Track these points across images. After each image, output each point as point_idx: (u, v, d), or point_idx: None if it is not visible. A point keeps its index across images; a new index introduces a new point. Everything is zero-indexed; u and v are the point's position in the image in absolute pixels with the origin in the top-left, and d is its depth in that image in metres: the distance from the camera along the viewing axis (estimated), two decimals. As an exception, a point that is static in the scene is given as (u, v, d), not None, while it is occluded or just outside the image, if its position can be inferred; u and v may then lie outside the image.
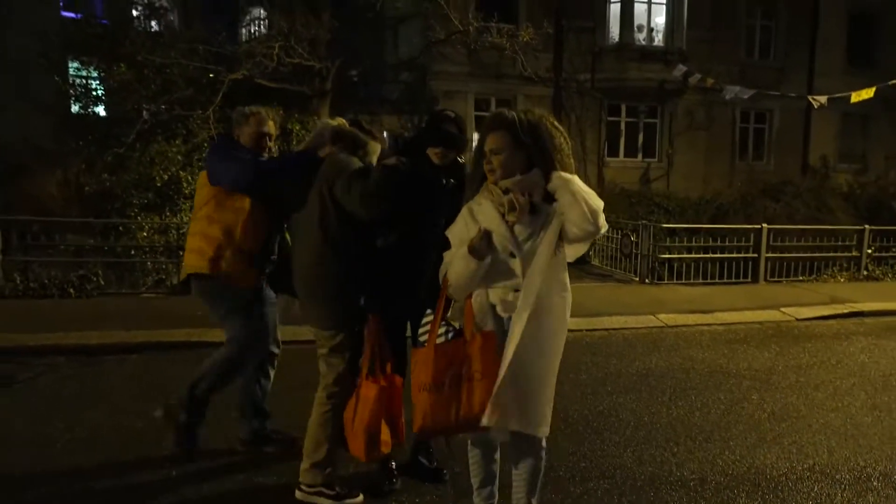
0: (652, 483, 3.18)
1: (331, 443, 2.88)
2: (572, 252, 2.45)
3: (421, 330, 2.67)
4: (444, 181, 2.91)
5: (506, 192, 2.37)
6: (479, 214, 2.44)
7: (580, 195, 2.30)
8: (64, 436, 3.58)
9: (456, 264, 2.41)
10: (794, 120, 17.68)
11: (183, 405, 3.15)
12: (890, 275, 9.78)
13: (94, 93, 12.21)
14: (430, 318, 2.56)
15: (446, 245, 2.69)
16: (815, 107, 12.45)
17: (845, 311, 7.38)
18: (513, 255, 2.36)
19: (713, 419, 4.06)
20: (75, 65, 12.34)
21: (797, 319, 7.02)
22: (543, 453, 2.53)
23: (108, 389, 4.39)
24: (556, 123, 2.45)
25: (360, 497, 2.93)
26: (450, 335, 2.49)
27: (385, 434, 2.80)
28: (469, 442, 2.58)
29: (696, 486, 3.17)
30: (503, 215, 2.38)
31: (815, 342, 6.09)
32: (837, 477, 3.32)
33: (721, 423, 3.98)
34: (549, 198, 2.37)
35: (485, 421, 2.32)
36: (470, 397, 2.34)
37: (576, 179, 2.36)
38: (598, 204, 2.33)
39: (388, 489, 3.03)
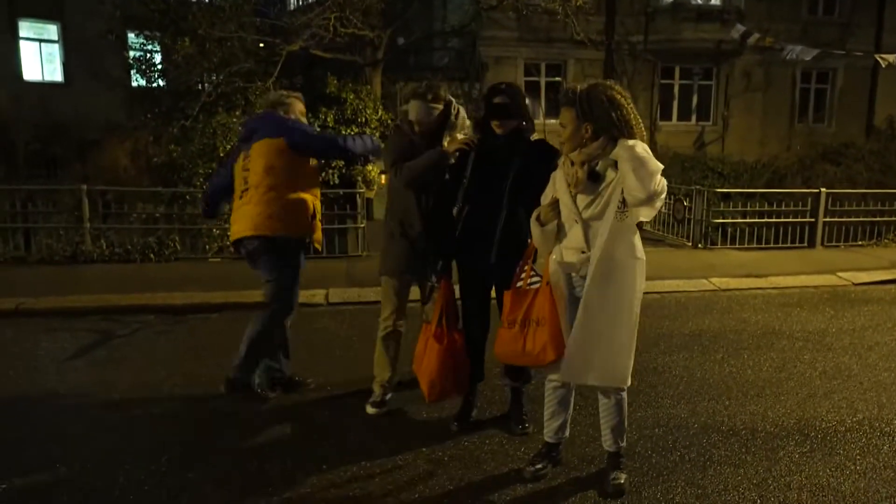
0: (704, 431, 3.40)
1: (381, 365, 3.60)
2: (644, 214, 2.65)
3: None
4: (509, 148, 3.13)
5: (573, 163, 2.65)
6: (557, 182, 2.79)
7: (635, 162, 2.50)
8: (167, 382, 4.03)
9: (531, 227, 2.83)
10: (860, 79, 16.92)
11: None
12: (956, 239, 9.50)
13: (156, 67, 12.73)
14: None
15: (513, 206, 3.00)
16: (883, 66, 11.95)
17: (905, 275, 7.28)
18: (576, 221, 2.69)
19: (765, 376, 4.22)
20: (140, 40, 12.84)
21: (854, 284, 6.99)
22: (623, 395, 2.82)
23: (197, 344, 4.83)
24: (619, 92, 2.63)
25: (374, 410, 3.56)
26: (535, 283, 2.87)
27: (446, 384, 3.20)
28: (547, 377, 2.91)
29: (747, 435, 3.37)
30: (569, 185, 2.68)
31: (871, 306, 6.09)
32: (887, 430, 3.46)
33: (772, 380, 4.14)
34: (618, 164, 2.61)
35: (562, 377, 2.76)
36: (534, 337, 2.78)
37: (637, 147, 2.54)
38: (653, 169, 2.51)
39: (454, 429, 3.37)
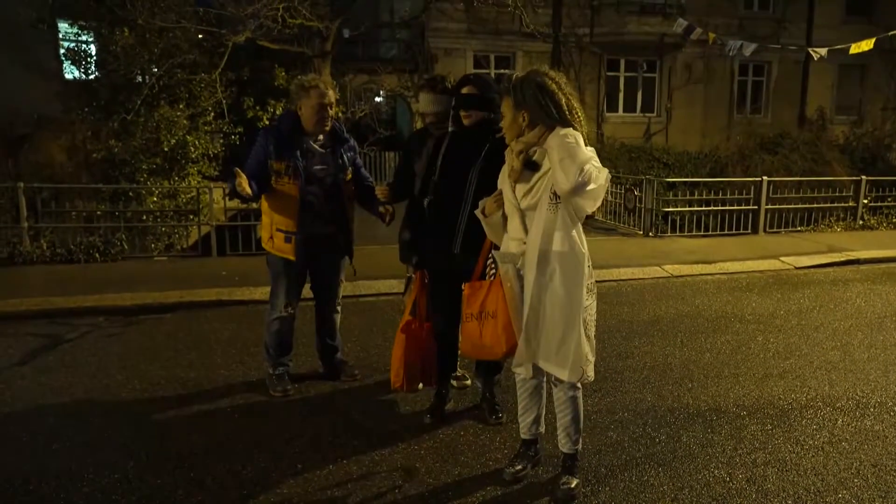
0: (672, 413, 3.50)
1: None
2: (586, 206, 2.48)
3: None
4: (475, 139, 3.12)
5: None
6: (503, 172, 2.75)
7: (562, 152, 2.41)
8: (126, 386, 3.86)
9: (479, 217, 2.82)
10: (792, 72, 17.74)
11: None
12: (885, 224, 10.08)
13: (92, 58, 12.16)
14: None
15: (478, 197, 2.99)
16: (815, 59, 12.52)
17: (842, 258, 7.68)
18: (516, 211, 2.67)
19: (723, 358, 4.38)
20: (74, 30, 12.22)
21: (796, 268, 7.32)
22: (577, 393, 2.72)
23: (153, 345, 4.65)
24: (552, 78, 2.56)
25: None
26: (492, 274, 2.83)
27: (410, 374, 3.24)
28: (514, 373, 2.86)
29: (712, 415, 3.49)
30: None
31: (813, 288, 6.40)
32: (838, 405, 3.65)
33: (730, 362, 4.31)
34: None
35: (513, 365, 2.71)
36: (489, 330, 2.75)
37: (567, 136, 2.45)
38: (581, 160, 2.39)
39: (428, 422, 3.37)
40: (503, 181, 2.71)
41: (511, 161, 2.61)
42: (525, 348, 2.66)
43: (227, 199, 10.70)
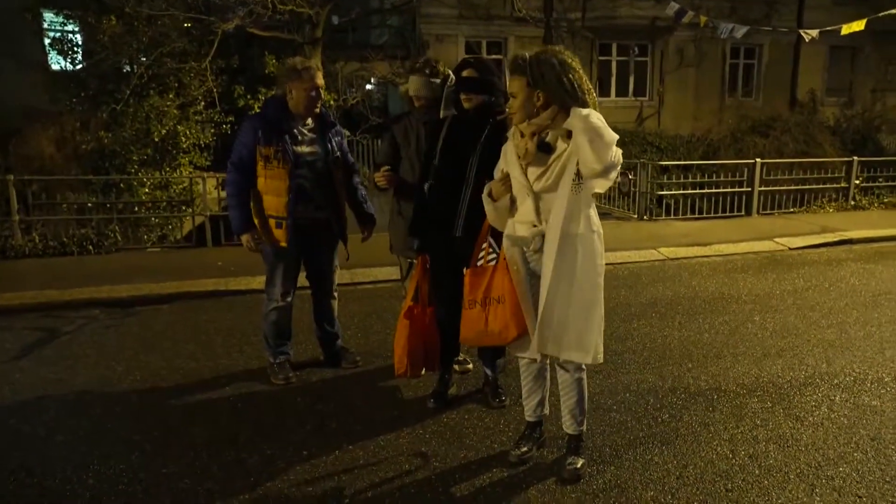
0: (674, 393, 3.53)
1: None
2: (599, 186, 2.50)
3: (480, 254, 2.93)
4: (475, 123, 3.11)
5: (523, 134, 2.56)
6: (508, 155, 2.69)
7: (591, 133, 2.36)
8: (126, 378, 3.85)
9: (484, 203, 2.76)
10: (783, 54, 17.73)
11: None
12: (876, 204, 10.15)
13: (79, 48, 12.00)
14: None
15: (479, 181, 2.96)
16: (807, 40, 12.47)
17: (835, 239, 7.73)
18: (527, 194, 2.60)
19: (721, 338, 4.41)
20: (59, 19, 12.05)
21: (790, 248, 7.37)
22: (582, 375, 2.74)
23: (152, 337, 4.63)
24: (570, 56, 2.52)
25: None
26: (493, 260, 2.79)
27: (413, 360, 3.20)
28: (518, 357, 2.86)
29: (713, 394, 3.53)
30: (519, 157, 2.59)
31: (808, 268, 6.45)
32: (836, 382, 3.69)
33: (729, 342, 4.34)
34: (572, 134, 2.47)
35: (531, 353, 2.66)
36: (496, 316, 2.68)
37: (591, 116, 2.40)
38: (609, 140, 2.38)
39: (432, 406, 3.38)
40: (512, 164, 2.62)
41: (524, 143, 2.53)
42: (539, 338, 2.59)
43: (219, 189, 10.66)
